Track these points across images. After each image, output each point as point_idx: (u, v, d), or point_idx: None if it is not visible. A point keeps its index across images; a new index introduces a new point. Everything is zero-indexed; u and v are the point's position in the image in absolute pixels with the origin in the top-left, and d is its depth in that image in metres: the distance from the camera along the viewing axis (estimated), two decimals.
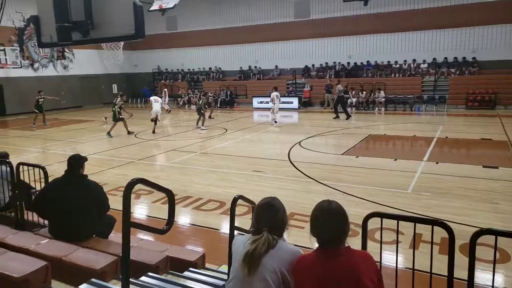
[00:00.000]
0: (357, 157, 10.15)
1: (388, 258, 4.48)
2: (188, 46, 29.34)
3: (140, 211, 6.64)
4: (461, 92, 19.84)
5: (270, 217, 2.24)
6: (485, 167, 8.67)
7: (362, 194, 7.05)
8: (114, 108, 14.77)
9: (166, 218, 2.85)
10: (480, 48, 20.47)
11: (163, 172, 9.17)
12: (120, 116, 14.80)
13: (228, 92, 25.17)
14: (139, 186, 2.66)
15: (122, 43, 12.00)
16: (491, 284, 3.03)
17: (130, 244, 2.45)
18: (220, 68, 28.36)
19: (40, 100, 17.36)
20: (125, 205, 2.39)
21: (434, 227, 2.91)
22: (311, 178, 8.24)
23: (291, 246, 2.24)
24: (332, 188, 7.48)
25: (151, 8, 21.15)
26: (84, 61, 27.29)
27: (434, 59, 21.50)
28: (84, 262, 3.15)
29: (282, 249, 2.15)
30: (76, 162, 3.94)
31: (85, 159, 4.08)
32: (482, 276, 4.25)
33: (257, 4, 26.04)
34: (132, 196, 7.74)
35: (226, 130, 15.21)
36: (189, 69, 29.58)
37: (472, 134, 12.85)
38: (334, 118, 17.53)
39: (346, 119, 17.22)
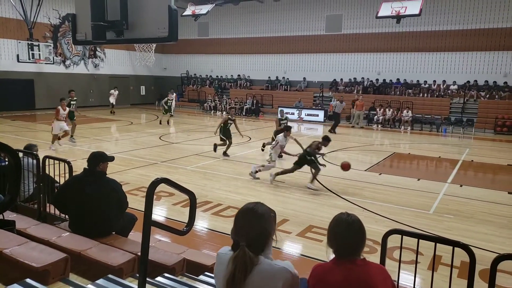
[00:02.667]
0: (380, 174, 10.03)
1: (406, 278, 4.42)
2: (217, 53, 29.79)
3: (160, 212, 6.75)
4: (490, 116, 19.33)
5: (250, 227, 1.91)
6: (510, 193, 8.41)
7: (383, 211, 6.96)
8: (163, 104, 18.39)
9: (185, 221, 2.91)
10: None
11: (185, 176, 9.30)
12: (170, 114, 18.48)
13: (255, 101, 25.34)
14: (160, 187, 2.72)
15: (154, 45, 12.36)
16: None
17: (150, 244, 2.51)
18: (249, 76, 28.62)
19: (72, 102, 13.55)
20: (147, 203, 2.45)
21: (455, 250, 2.87)
22: (332, 192, 8.20)
23: (275, 264, 1.91)
24: (353, 203, 7.42)
25: (184, 13, 21.67)
26: (115, 61, 28.08)
27: (468, 81, 21.05)
28: (102, 258, 3.21)
29: (267, 272, 1.86)
30: (94, 159, 4.01)
31: (107, 158, 4.12)
32: None
33: (289, 15, 26.23)
34: (154, 197, 7.86)
35: (250, 138, 15.31)
36: (217, 76, 29.98)
37: (499, 159, 12.48)
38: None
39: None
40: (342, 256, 2.06)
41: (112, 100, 23.25)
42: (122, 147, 12.78)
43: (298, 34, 26.09)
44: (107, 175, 4.12)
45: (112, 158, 4.23)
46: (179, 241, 4.96)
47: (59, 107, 11.96)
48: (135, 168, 9.79)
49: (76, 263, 3.10)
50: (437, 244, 2.97)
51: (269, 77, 27.56)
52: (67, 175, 4.68)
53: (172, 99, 19.00)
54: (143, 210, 2.55)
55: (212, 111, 26.02)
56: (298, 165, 8.61)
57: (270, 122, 21.57)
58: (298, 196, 7.85)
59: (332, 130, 17.71)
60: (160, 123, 18.58)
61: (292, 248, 5.54)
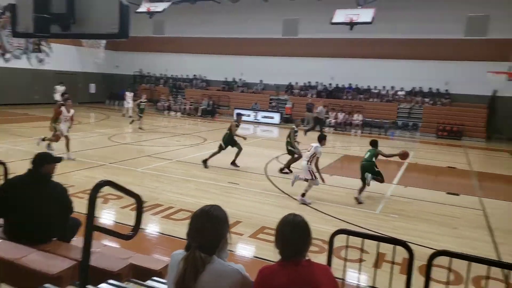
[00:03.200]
0: (331, 175, 10.27)
1: (352, 276, 4.57)
2: (173, 51, 29.23)
3: (107, 216, 6.50)
4: (433, 122, 20.57)
5: (203, 229, 1.94)
6: (448, 194, 9.02)
7: (333, 212, 7.16)
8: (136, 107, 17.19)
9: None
10: (453, 81, 21.36)
11: (135, 178, 9.04)
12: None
13: (211, 102, 25.17)
14: (108, 190, 2.63)
15: (104, 41, 11.83)
16: None
17: (93, 250, 2.40)
18: (205, 76, 28.37)
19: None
20: (90, 207, 2.35)
21: (397, 247, 3.02)
22: (285, 193, 8.32)
23: (230, 268, 1.97)
24: (304, 204, 7.56)
25: (139, 10, 21.08)
26: (62, 57, 26.54)
27: (413, 88, 22.26)
28: (39, 266, 2.98)
29: (220, 275, 1.91)
30: (38, 160, 3.76)
31: (53, 159, 3.88)
32: None
33: (247, 17, 26.31)
34: (100, 200, 7.58)
35: (205, 140, 15.18)
36: (172, 75, 29.45)
37: (439, 162, 13.28)
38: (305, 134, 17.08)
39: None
40: (287, 257, 2.08)
41: (57, 97, 21.98)
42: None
43: (255, 37, 26.24)
44: (52, 179, 3.89)
45: (59, 159, 4.00)
46: (127, 246, 4.79)
47: (63, 108, 10.32)
48: (82, 169, 9.36)
49: (9, 273, 2.87)
50: (381, 243, 3.11)
51: (226, 78, 27.51)
52: (1, 178, 4.38)
53: (145, 101, 17.48)
54: None
55: (166, 111, 25.51)
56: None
57: (226, 124, 21.54)
58: (251, 198, 7.88)
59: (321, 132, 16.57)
60: (141, 129, 16.76)
61: (244, 250, 5.55)
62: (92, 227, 2.33)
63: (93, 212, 2.38)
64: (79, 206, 4.15)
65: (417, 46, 21.86)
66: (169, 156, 11.54)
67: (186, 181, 9.01)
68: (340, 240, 3.23)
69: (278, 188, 8.67)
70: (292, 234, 2.07)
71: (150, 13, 21.15)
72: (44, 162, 3.78)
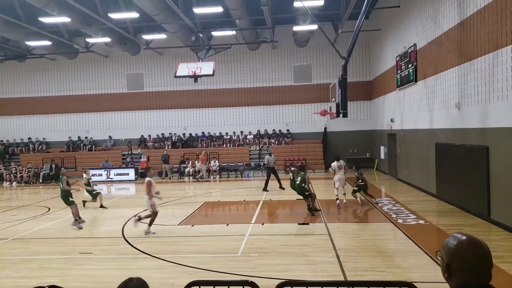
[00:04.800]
0: (192, 225, 10.36)
1: None
2: (1, 114, 25.93)
3: None
4: (280, 159, 22.73)
5: None
6: (299, 224, 9.99)
7: (196, 263, 7.17)
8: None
9: None
10: (291, 122, 24.36)
11: None
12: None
13: (53, 165, 22.77)
14: None
15: None
16: None
17: None
18: (44, 138, 25.72)
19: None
20: None
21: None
22: (145, 253, 7.99)
23: None
24: (166, 260, 7.40)
25: None
26: None
27: (258, 130, 24.39)
28: None
29: None
30: None
31: None
32: None
33: (88, 73, 25.35)
34: None
35: (49, 209, 13.56)
36: (1, 141, 25.87)
37: (289, 196, 14.65)
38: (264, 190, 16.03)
39: (280, 187, 16.41)
40: None
41: None
42: None
43: (99, 92, 25.33)
44: None
45: None
46: None
47: None
48: None
49: None
50: (232, 286, 3.32)
51: (69, 137, 25.47)
52: None
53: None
54: None
55: None
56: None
57: (74, 186, 19.67)
58: (106, 266, 7.33)
59: (280, 186, 16.28)
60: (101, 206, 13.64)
61: None
62: None
63: None
64: None
65: (256, 93, 24.39)
66: (3, 235, 9.91)
67: (26, 260, 7.84)
68: None
69: (137, 249, 8.29)
70: None
71: None
72: None
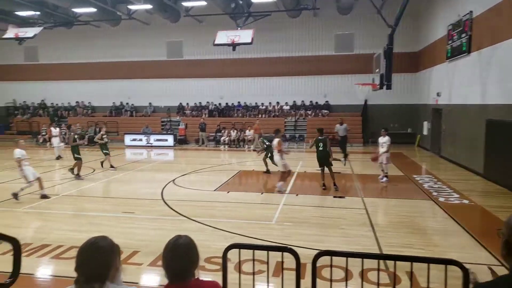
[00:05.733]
0: (228, 192, 10.59)
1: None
2: (50, 79, 27.10)
3: None
4: (316, 132, 22.44)
5: (89, 262, 1.92)
6: (335, 197, 9.95)
7: (232, 228, 7.37)
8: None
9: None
10: (331, 93, 23.79)
11: (15, 219, 8.12)
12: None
13: (98, 129, 23.72)
14: None
15: None
16: None
17: None
18: (89, 103, 26.78)
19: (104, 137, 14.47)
20: None
21: (285, 254, 3.32)
22: (183, 216, 8.29)
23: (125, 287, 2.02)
24: (204, 224, 7.65)
25: (5, 36, 19.15)
26: None
27: (294, 101, 24.09)
28: None
29: None
30: None
31: None
32: None
33: (129, 40, 25.75)
34: None
35: (94, 170, 14.28)
36: (52, 104, 27.18)
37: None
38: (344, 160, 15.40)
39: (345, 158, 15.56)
40: (174, 280, 2.11)
41: None
42: None
43: (140, 60, 25.80)
44: None
45: None
46: None
47: None
48: None
49: None
50: (271, 251, 3.38)
51: (113, 102, 26.33)
52: None
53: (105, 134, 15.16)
54: None
55: (48, 143, 23.27)
56: None
57: (116, 150, 20.56)
58: (148, 225, 7.69)
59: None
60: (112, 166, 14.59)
61: (144, 279, 5.40)
62: None
63: None
64: None
65: (295, 63, 23.89)
66: (55, 191, 10.60)
67: (75, 216, 8.40)
68: (235, 254, 3.41)
69: (176, 211, 8.61)
70: (173, 257, 2.09)
71: (19, 39, 19.34)
72: None
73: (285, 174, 10.71)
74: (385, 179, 11.85)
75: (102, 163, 14.77)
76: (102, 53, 26.23)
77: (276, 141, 10.87)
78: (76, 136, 13.23)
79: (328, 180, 10.90)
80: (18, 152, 9.56)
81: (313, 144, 11.29)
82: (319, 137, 11.15)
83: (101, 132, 15.15)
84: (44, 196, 9.63)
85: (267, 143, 13.60)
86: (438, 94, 17.68)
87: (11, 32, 18.95)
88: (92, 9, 21.14)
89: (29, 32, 18.97)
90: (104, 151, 14.68)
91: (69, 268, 5.64)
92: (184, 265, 2.11)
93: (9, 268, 5.69)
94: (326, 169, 10.92)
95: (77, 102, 26.84)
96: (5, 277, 2.75)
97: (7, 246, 6.45)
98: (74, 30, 25.66)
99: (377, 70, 13.82)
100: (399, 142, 20.06)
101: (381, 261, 4.14)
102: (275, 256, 3.32)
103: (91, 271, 1.90)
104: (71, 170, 12.74)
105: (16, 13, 22.22)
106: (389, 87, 12.33)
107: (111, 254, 1.98)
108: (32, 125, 25.52)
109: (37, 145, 23.09)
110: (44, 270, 5.67)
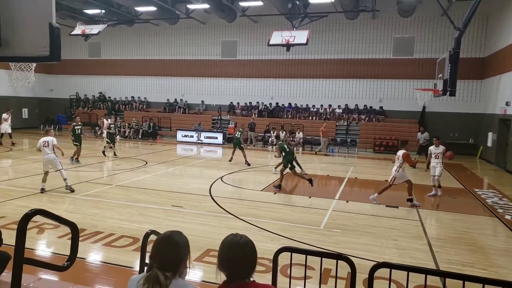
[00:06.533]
0: (275, 193, 10.45)
1: None
2: (110, 74, 28.53)
3: (43, 247, 6.05)
4: (370, 137, 21.73)
5: (164, 252, 2.07)
6: (387, 206, 9.46)
7: (278, 230, 7.22)
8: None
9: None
10: (386, 98, 22.89)
11: (72, 205, 8.53)
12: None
13: (151, 124, 24.62)
14: (43, 219, 2.47)
15: (34, 64, 11.26)
16: None
17: (26, 284, 2.23)
18: (145, 98, 27.87)
19: (76, 128, 14.25)
20: (18, 238, 2.19)
21: (340, 262, 3.11)
22: (230, 213, 8.27)
23: (187, 283, 2.10)
24: (250, 223, 7.57)
25: (73, 33, 20.34)
26: None
27: (347, 105, 23.45)
28: None
29: (178, 286, 2.01)
30: None
31: None
32: None
33: (186, 39, 26.43)
34: (35, 230, 7.06)
35: (146, 163, 14.75)
36: (109, 97, 28.58)
37: (377, 176, 13.98)
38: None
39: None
40: (231, 279, 2.04)
41: (4, 127, 18.34)
42: None
43: (195, 58, 26.39)
44: None
45: None
46: (66, 278, 4.50)
47: None
48: (14, 199, 8.68)
49: None
50: (324, 258, 3.19)
51: (167, 99, 27.19)
52: None
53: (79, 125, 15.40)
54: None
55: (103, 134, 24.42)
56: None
57: (168, 145, 21.18)
58: (195, 220, 7.74)
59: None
60: (114, 155, 16.11)
61: (190, 274, 5.39)
62: (21, 259, 2.17)
63: (22, 244, 2.22)
64: (11, 239, 3.83)
65: (350, 65, 23.24)
66: (109, 181, 11.04)
67: (127, 206, 8.66)
68: (285, 258, 3.27)
69: (223, 209, 8.61)
70: (232, 255, 2.03)
71: (85, 36, 20.50)
72: None
73: (387, 186, 9.80)
74: (439, 192, 11.02)
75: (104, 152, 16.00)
76: (159, 50, 27.15)
77: (402, 152, 9.77)
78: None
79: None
80: (40, 141, 9.62)
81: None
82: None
83: (110, 122, 16.28)
84: (42, 190, 9.49)
85: (287, 149, 11.30)
86: (507, 104, 16.38)
87: (78, 29, 20.11)
88: (153, 8, 21.92)
89: (94, 29, 20.02)
90: (108, 141, 15.92)
91: (120, 257, 5.82)
92: (244, 266, 2.04)
93: (65, 251, 5.93)
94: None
95: (132, 97, 27.99)
96: (62, 260, 2.81)
97: (64, 230, 6.76)
98: (135, 28, 26.77)
99: (440, 75, 13.04)
100: (459, 153, 18.86)
101: (433, 278, 3.80)
102: (322, 263, 3.14)
103: (165, 260, 2.03)
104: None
105: (84, 11, 23.60)
106: (452, 93, 11.57)
107: (184, 249, 2.12)
108: (91, 117, 26.95)
109: (95, 136, 24.35)
110: (96, 256, 5.85)
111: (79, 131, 14.28)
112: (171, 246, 2.08)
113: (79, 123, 14.59)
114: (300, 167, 11.90)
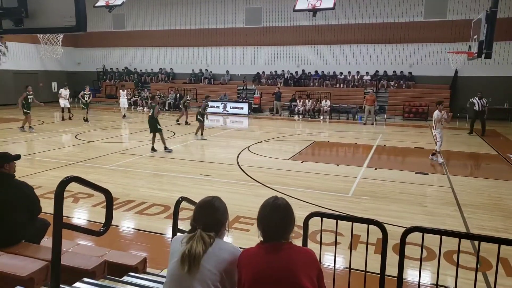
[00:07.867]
0: (302, 162, 10.42)
1: (328, 259, 4.67)
2: (136, 45, 28.61)
3: (78, 215, 6.32)
4: (399, 104, 21.12)
5: (206, 216, 2.22)
6: (417, 173, 9.28)
7: (306, 197, 7.24)
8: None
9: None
10: (416, 63, 22.01)
11: (104, 175, 8.81)
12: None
13: (178, 95, 24.78)
14: (78, 189, 2.55)
15: (61, 36, 11.42)
16: (417, 280, 3.26)
17: (65, 249, 2.33)
18: (171, 69, 27.93)
19: (29, 97, 14.87)
20: (57, 204, 2.26)
21: (370, 228, 3.08)
22: (258, 182, 8.33)
23: (230, 245, 2.21)
24: (278, 191, 7.60)
25: (97, 4, 20.34)
26: (20, 55, 25.49)
27: (376, 71, 22.72)
28: (9, 269, 2.89)
29: (220, 248, 2.13)
30: None
31: (11, 157, 3.73)
32: (411, 272, 4.53)
33: (209, 8, 26.02)
34: (70, 199, 7.33)
35: (174, 134, 14.96)
36: (135, 69, 28.81)
37: (407, 143, 13.69)
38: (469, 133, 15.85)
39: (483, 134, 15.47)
40: (268, 239, 2.08)
41: (63, 102, 18.83)
42: (33, 149, 11.71)
43: (218, 27, 26.02)
44: (15, 178, 3.74)
45: (17, 157, 3.84)
46: (102, 243, 4.70)
47: None
48: (48, 170, 9.04)
49: None
50: (354, 223, 3.16)
51: (193, 70, 27.16)
52: None
53: (88, 94, 18.24)
54: None
55: (133, 106, 24.87)
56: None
57: (194, 116, 21.28)
58: (224, 189, 7.86)
59: (483, 133, 15.51)
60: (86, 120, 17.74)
61: None
62: (60, 224, 2.25)
63: (60, 209, 2.30)
64: (49, 207, 4.00)
65: (379, 30, 22.35)
66: (138, 152, 11.31)
67: (157, 175, 8.88)
68: (314, 224, 3.26)
69: (251, 177, 8.68)
70: (272, 216, 2.08)
71: (109, 7, 20.44)
72: (3, 161, 3.63)
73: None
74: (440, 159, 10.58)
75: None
76: (183, 20, 26.89)
77: (435, 112, 10.45)
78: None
79: None
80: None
81: None
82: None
83: (86, 92, 17.97)
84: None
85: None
86: None
87: (102, 1, 20.09)
88: None
89: (118, 0, 19.94)
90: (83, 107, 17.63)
91: (152, 224, 6.00)
92: (282, 227, 2.10)
93: (99, 219, 6.17)
94: None
95: (160, 68, 28.09)
96: (97, 226, 2.91)
97: (97, 199, 6.99)
98: None
99: (475, 37, 12.33)
100: (492, 118, 18.10)
101: (464, 243, 3.72)
102: (353, 228, 3.12)
103: (208, 222, 2.19)
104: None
105: None
106: (488, 55, 10.89)
107: (224, 213, 2.31)
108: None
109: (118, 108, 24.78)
110: (129, 223, 6.06)
111: (31, 100, 14.92)
112: (213, 210, 2.26)
113: (31, 92, 15.12)
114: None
